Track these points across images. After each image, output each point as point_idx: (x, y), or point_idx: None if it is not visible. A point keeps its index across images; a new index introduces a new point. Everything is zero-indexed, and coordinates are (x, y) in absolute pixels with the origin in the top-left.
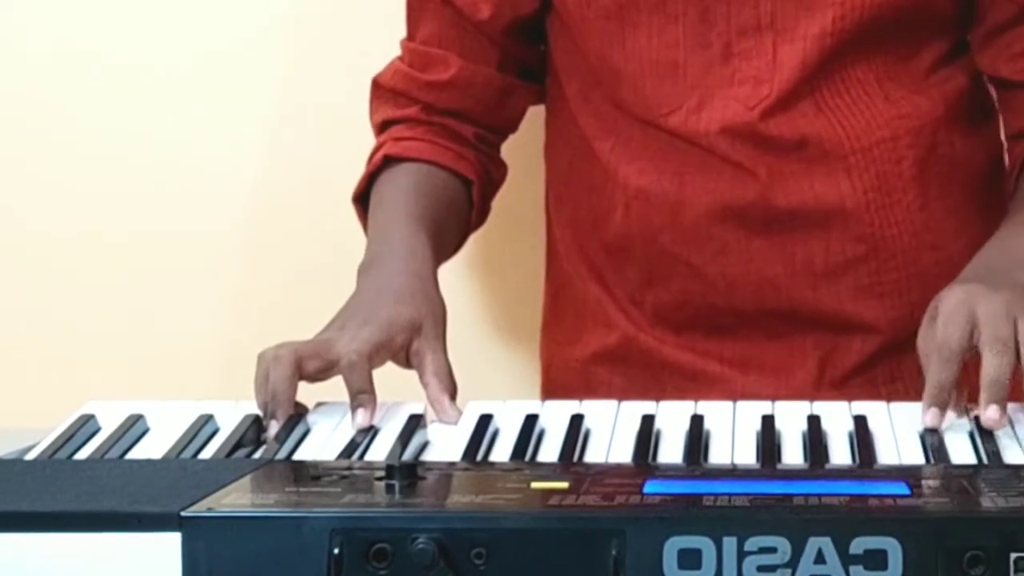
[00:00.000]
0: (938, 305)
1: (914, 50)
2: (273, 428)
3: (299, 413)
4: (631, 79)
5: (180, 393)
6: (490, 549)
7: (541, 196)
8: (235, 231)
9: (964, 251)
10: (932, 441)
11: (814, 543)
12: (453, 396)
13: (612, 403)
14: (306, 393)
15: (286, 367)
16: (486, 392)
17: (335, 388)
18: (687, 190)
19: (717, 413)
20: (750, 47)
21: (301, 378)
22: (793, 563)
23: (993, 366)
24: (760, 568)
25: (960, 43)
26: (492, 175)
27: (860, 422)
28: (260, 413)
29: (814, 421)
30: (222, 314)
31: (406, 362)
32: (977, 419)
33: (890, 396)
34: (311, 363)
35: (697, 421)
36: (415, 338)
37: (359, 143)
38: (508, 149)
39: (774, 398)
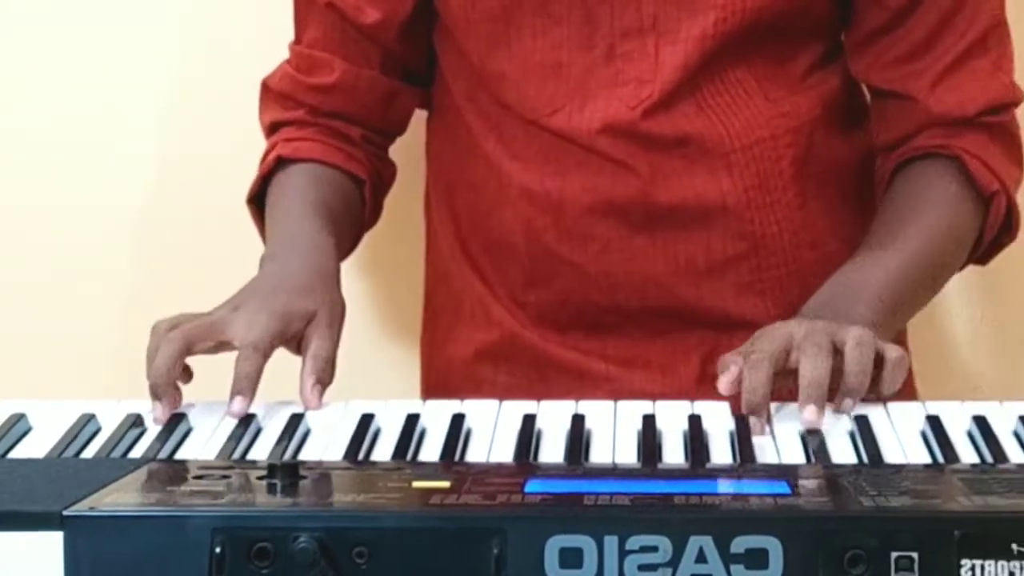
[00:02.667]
0: (791, 331)
1: (792, 52)
2: (157, 409)
3: (180, 414)
4: (515, 80)
5: (65, 394)
6: (371, 548)
7: (421, 195)
8: (124, 232)
9: (842, 249)
10: (813, 441)
11: (695, 542)
12: (326, 384)
13: (493, 403)
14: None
15: (174, 348)
16: (369, 391)
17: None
18: (569, 189)
19: (598, 413)
20: (633, 49)
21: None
22: (674, 562)
23: (808, 368)
24: (641, 567)
25: (837, 46)
26: (382, 175)
27: (741, 421)
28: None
29: (695, 420)
30: (108, 315)
31: (297, 349)
32: (857, 419)
33: (772, 395)
34: (201, 345)
35: (578, 421)
36: (309, 325)
37: (251, 145)
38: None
39: (658, 395)
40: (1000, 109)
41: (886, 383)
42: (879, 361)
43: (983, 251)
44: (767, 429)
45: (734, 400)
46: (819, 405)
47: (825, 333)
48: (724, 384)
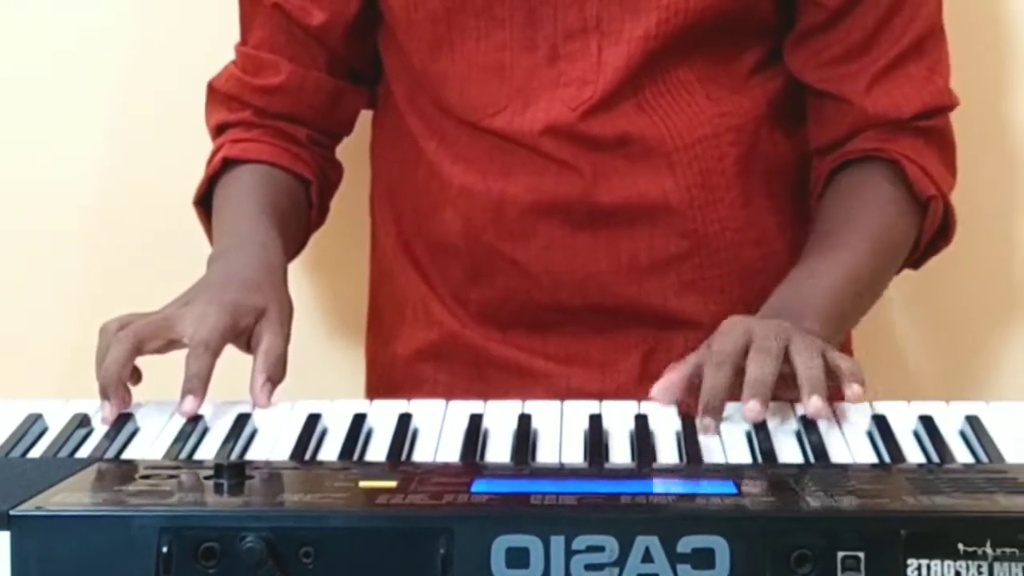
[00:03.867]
0: (751, 328)
1: (735, 52)
2: (105, 409)
3: (127, 413)
4: (458, 82)
5: (11, 393)
6: (318, 548)
7: (366, 196)
8: (75, 232)
9: (786, 248)
10: (759, 440)
11: (641, 542)
12: (276, 381)
13: (440, 402)
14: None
15: (124, 348)
16: (315, 390)
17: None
18: (511, 189)
19: (545, 412)
20: (576, 49)
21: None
22: (621, 562)
23: (754, 367)
24: (588, 567)
25: (780, 46)
26: (329, 175)
27: (688, 421)
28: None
29: (641, 420)
30: (56, 315)
31: (247, 346)
32: (803, 419)
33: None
34: (151, 344)
35: (525, 420)
36: (259, 322)
37: (199, 146)
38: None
39: (598, 393)
40: (935, 113)
41: (848, 393)
42: (833, 373)
43: (918, 255)
44: (717, 430)
45: (682, 401)
46: (763, 401)
47: (777, 337)
48: (658, 390)
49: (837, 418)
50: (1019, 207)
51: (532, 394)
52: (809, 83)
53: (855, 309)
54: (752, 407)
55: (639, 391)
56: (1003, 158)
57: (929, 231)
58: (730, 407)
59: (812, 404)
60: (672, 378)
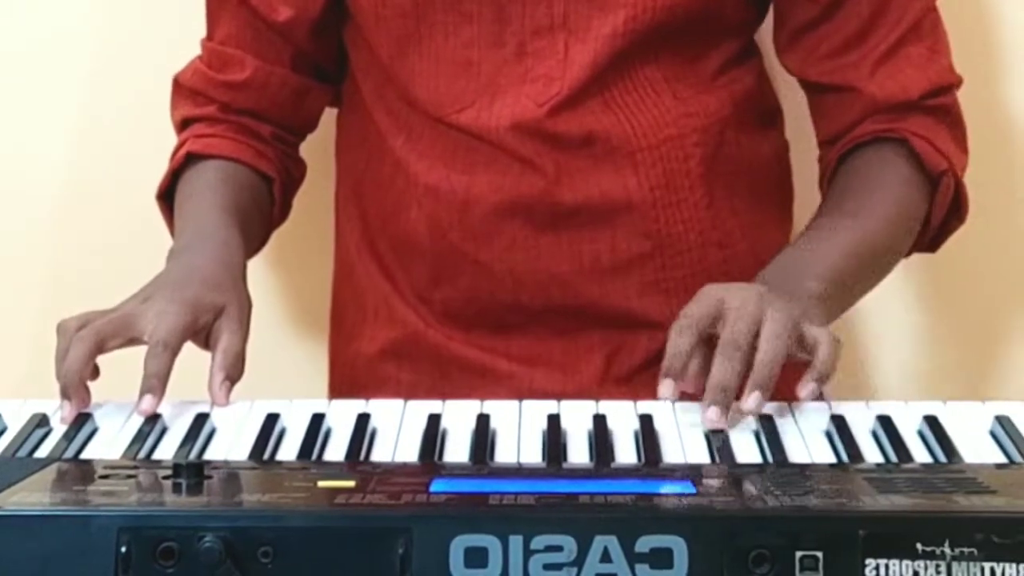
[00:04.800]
0: (724, 297)
1: (703, 52)
2: (65, 409)
3: (86, 413)
4: (425, 78)
5: None
6: (277, 548)
7: (330, 194)
8: (34, 230)
9: (748, 249)
10: (718, 440)
11: (600, 541)
12: (234, 380)
13: (398, 402)
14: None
15: (85, 348)
16: (277, 389)
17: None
18: (476, 187)
19: (503, 412)
20: (543, 46)
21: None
22: (579, 561)
23: (717, 370)
24: (546, 566)
25: (747, 46)
26: (292, 172)
27: (646, 421)
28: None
29: (600, 420)
30: (19, 315)
31: (205, 343)
32: (762, 418)
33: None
34: (112, 342)
35: (483, 420)
36: (218, 319)
37: (163, 141)
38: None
39: (560, 394)
40: (941, 92)
41: (817, 370)
42: (811, 347)
43: (932, 235)
44: (676, 395)
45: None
46: (723, 408)
47: (751, 319)
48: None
49: (795, 417)
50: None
51: (495, 394)
52: (811, 79)
53: (861, 277)
54: (711, 415)
55: (601, 392)
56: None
57: (941, 208)
58: (691, 406)
59: (750, 402)
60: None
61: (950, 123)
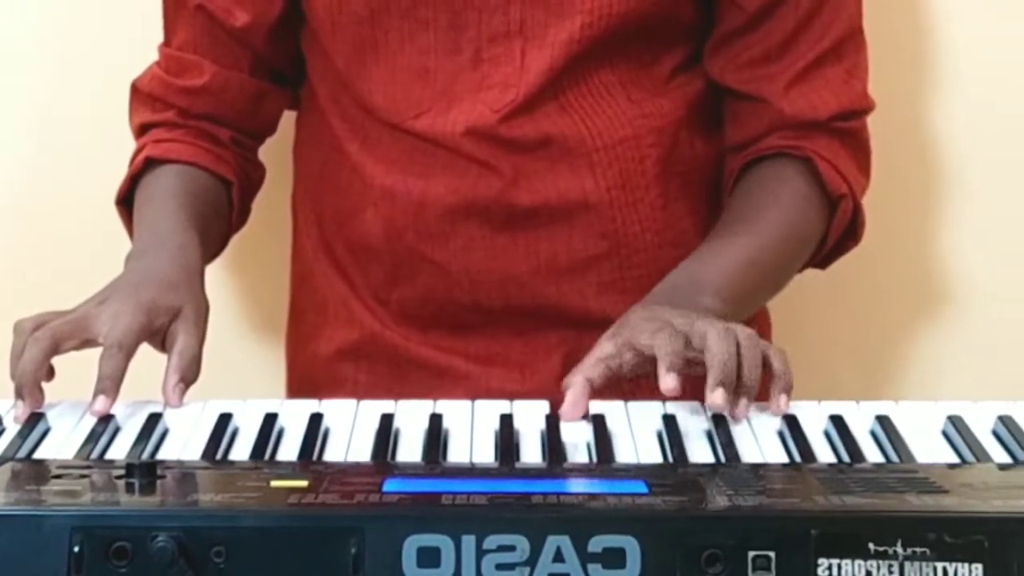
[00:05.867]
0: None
1: (657, 55)
2: (19, 408)
3: (39, 413)
4: (381, 84)
5: None
6: (230, 547)
7: (288, 196)
8: None
9: None
10: (670, 440)
11: (553, 541)
12: (189, 382)
13: (351, 402)
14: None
15: (40, 348)
16: (234, 390)
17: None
18: (432, 190)
19: (456, 412)
20: (500, 53)
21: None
22: (532, 561)
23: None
24: (499, 566)
25: (699, 50)
26: (251, 176)
27: (598, 421)
28: (3, 406)
29: (552, 420)
30: None
31: (161, 346)
32: (715, 418)
33: (632, 393)
34: (67, 343)
35: (436, 420)
36: (174, 321)
37: (122, 143)
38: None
39: (518, 394)
40: (851, 116)
41: (784, 380)
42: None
43: (825, 254)
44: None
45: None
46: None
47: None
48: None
49: (748, 418)
50: (933, 208)
51: (452, 395)
52: (728, 85)
53: (755, 294)
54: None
55: (559, 392)
56: (918, 160)
57: (837, 230)
58: (646, 406)
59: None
60: (578, 392)
61: (854, 147)
